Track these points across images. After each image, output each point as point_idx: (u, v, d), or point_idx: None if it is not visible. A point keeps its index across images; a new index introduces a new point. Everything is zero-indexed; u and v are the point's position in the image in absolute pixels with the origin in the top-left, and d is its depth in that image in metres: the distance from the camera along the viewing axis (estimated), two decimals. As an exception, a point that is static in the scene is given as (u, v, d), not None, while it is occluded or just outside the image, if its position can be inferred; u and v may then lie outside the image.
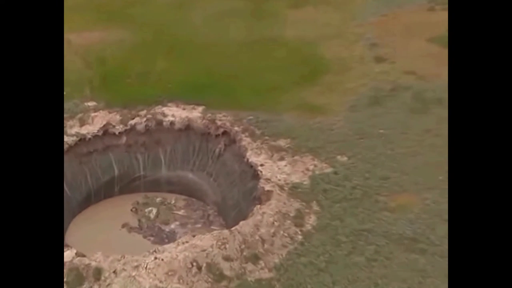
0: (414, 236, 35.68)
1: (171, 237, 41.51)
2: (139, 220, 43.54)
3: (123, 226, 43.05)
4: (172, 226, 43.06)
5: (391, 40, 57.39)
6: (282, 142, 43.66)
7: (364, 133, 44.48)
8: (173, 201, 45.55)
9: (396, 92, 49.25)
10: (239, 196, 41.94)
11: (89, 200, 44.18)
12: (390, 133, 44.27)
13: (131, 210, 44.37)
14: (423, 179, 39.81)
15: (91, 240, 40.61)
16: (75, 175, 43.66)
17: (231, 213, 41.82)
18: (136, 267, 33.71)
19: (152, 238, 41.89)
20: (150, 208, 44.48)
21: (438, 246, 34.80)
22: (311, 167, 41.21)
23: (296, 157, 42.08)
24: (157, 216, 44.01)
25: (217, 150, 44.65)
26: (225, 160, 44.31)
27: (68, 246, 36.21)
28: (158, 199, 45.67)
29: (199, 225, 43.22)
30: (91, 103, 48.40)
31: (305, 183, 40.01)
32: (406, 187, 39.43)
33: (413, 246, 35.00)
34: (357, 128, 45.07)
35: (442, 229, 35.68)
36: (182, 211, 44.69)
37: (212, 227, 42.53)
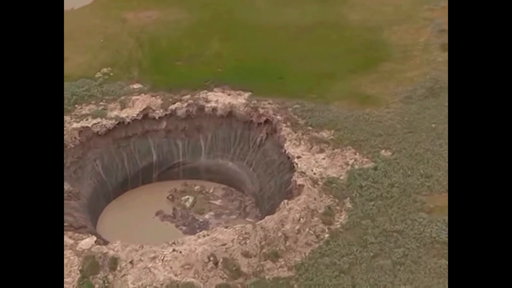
0: (447, 240, 34.63)
1: (203, 228, 41.89)
2: (173, 209, 44.10)
3: (157, 214, 43.69)
4: (207, 216, 43.43)
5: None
6: (325, 134, 43.26)
7: (414, 127, 43.57)
8: (211, 190, 45.86)
9: (457, 83, 47.63)
10: (275, 189, 41.88)
11: (125, 185, 45.00)
12: (442, 129, 43.20)
13: (168, 197, 44.93)
14: (469, 179, 38.44)
15: (121, 227, 41.49)
16: (112, 159, 44.59)
17: (266, 206, 41.76)
18: (153, 258, 34.21)
19: (184, 228, 42.36)
20: (186, 197, 44.95)
21: (472, 252, 33.60)
22: (350, 161, 40.72)
23: (336, 150, 41.65)
24: (193, 205, 44.43)
25: (259, 139, 44.65)
26: (266, 150, 44.27)
27: (90, 233, 37.05)
28: (196, 187, 46.08)
29: (234, 217, 43.39)
30: (136, 86, 49.15)
31: (341, 178, 39.57)
32: (449, 187, 38.24)
33: (445, 251, 34.16)
34: (407, 121, 44.17)
35: (480, 235, 34.41)
36: (219, 201, 44.93)
37: (247, 219, 42.68)
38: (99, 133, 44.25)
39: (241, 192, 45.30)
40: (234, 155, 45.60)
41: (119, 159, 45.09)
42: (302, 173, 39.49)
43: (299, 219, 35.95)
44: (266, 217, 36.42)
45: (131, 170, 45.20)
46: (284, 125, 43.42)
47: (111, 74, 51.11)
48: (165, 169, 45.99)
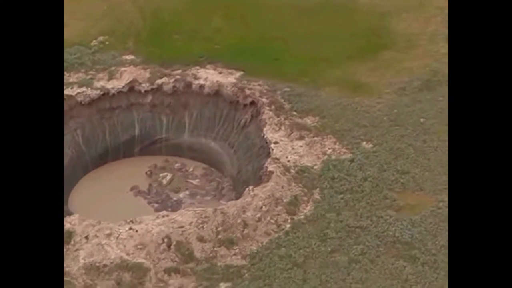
0: (410, 241, 34.06)
1: (176, 207, 41.59)
2: (149, 185, 43.84)
3: (132, 189, 43.43)
4: (181, 195, 43.10)
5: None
6: (309, 120, 42.54)
7: (402, 120, 42.58)
8: (191, 169, 45.49)
9: (456, 77, 46.28)
10: (251, 173, 41.28)
11: (105, 157, 44.87)
12: (430, 124, 42.18)
13: (146, 173, 44.60)
14: (446, 179, 37.50)
15: (92, 199, 41.37)
16: (93, 130, 44.48)
17: (241, 190, 41.20)
18: (109, 235, 34.09)
19: (156, 205, 42.09)
20: (165, 173, 44.62)
21: (433, 255, 33.07)
22: (328, 151, 40.00)
23: (317, 138, 40.93)
24: (169, 182, 44.13)
25: (243, 120, 44.09)
26: (249, 133, 43.70)
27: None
28: (177, 165, 45.76)
29: (208, 198, 43.01)
30: (129, 57, 48.89)
31: (315, 167, 38.90)
32: (424, 186, 37.56)
33: (405, 252, 33.43)
34: (396, 114, 43.19)
35: (445, 238, 33.78)
36: (197, 180, 44.55)
37: (221, 201, 42.10)
38: (83, 102, 44.14)
39: (221, 173, 44.77)
40: (217, 135, 45.12)
41: (100, 131, 44.93)
42: (276, 160, 38.86)
43: (262, 207, 35.39)
44: (229, 203, 35.98)
45: (112, 143, 45.08)
46: (267, 108, 42.67)
47: (107, 43, 50.89)
48: (147, 143, 45.74)
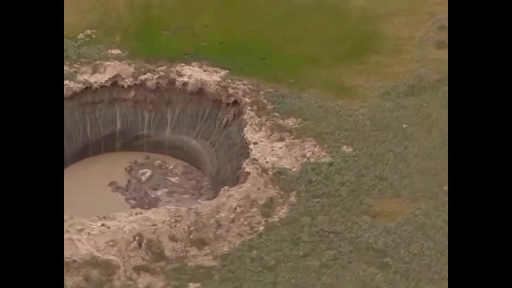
0: (384, 248, 33.79)
1: (153, 204, 41.34)
2: (128, 181, 43.60)
3: (110, 184, 43.18)
4: (159, 192, 42.90)
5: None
6: (290, 122, 42.35)
7: (384, 125, 42.35)
8: (171, 167, 45.29)
9: (442, 84, 46.30)
10: (230, 173, 41.01)
11: (85, 152, 44.64)
12: (412, 130, 41.93)
13: (126, 169, 44.34)
14: (425, 186, 37.49)
15: (69, 194, 40.80)
16: (74, 124, 44.26)
17: (219, 189, 40.91)
18: (80, 230, 33.84)
19: (133, 202, 41.95)
20: (144, 170, 44.46)
21: (406, 264, 32.78)
22: (308, 154, 39.74)
23: (297, 140, 40.68)
24: (149, 179, 43.95)
25: (225, 120, 43.82)
26: (230, 132, 43.49)
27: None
28: (157, 162, 45.55)
29: (186, 196, 42.82)
30: (114, 51, 48.62)
31: (293, 170, 38.66)
32: (401, 192, 37.28)
33: (377, 259, 33.17)
34: (378, 118, 42.91)
35: (419, 246, 33.50)
36: (176, 178, 44.36)
37: (199, 200, 41.85)
38: (65, 96, 43.67)
39: (201, 172, 44.55)
40: (199, 133, 44.92)
41: (82, 125, 44.75)
42: (254, 161, 38.63)
43: (236, 208, 35.19)
44: (204, 202, 35.72)
45: (93, 137, 44.71)
46: (249, 108, 42.41)
47: (94, 36, 50.61)
48: (129, 139, 45.50)
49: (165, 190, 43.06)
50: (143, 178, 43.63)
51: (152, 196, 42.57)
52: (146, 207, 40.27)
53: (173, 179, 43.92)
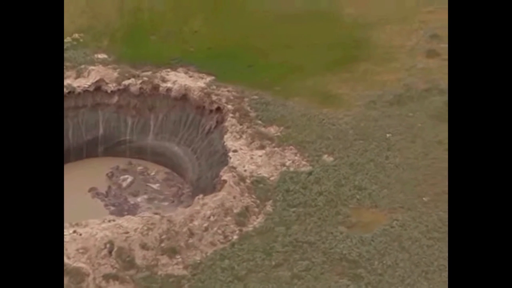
0: (357, 259, 33.35)
1: (132, 211, 41.06)
2: (109, 187, 43.33)
3: (90, 190, 42.94)
4: (139, 199, 42.68)
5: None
6: (272, 130, 42.00)
7: (367, 135, 41.88)
8: (153, 173, 45.05)
9: (429, 94, 45.86)
10: (210, 180, 40.69)
11: (67, 157, 44.25)
12: (396, 140, 41.43)
13: (107, 174, 44.10)
14: (403, 197, 37.05)
15: (47, 199, 40.69)
16: (56, 129, 43.76)
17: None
18: (52, 237, 33.34)
19: (112, 208, 41.69)
20: (126, 176, 44.25)
21: (379, 275, 32.39)
22: (288, 162, 39.39)
23: (277, 149, 40.35)
24: (129, 185, 43.74)
25: (208, 126, 43.55)
26: (213, 139, 43.24)
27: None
28: (139, 168, 45.35)
29: (166, 203, 42.53)
30: (101, 56, 48.55)
31: (271, 178, 38.32)
32: (379, 203, 36.85)
33: (350, 270, 32.76)
34: (362, 128, 42.49)
35: (393, 257, 33.06)
36: (157, 185, 44.12)
37: (179, 207, 41.40)
38: (48, 100, 43.40)
39: (183, 179, 44.23)
40: (181, 139, 44.71)
41: (64, 129, 44.31)
42: (233, 168, 38.26)
43: (210, 217, 34.85)
44: (178, 210, 35.38)
45: (75, 142, 44.52)
46: (231, 115, 42.09)
47: (81, 40, 50.60)
48: (111, 144, 45.34)
49: (145, 196, 42.85)
50: (124, 184, 43.43)
51: (132, 202, 42.37)
52: (125, 213, 39.92)
53: (154, 186, 43.67)
